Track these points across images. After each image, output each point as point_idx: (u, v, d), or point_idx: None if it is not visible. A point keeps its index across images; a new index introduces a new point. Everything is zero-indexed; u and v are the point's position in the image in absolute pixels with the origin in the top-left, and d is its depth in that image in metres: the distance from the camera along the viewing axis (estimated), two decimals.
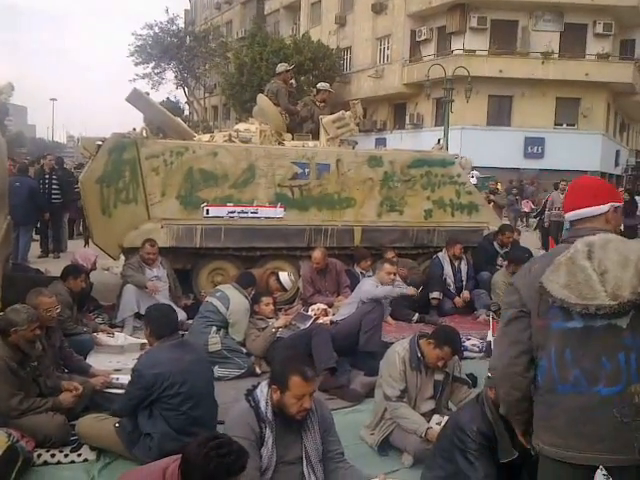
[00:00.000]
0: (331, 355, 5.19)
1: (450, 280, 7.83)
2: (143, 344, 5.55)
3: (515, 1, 26.35)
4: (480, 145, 23.76)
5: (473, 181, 9.79)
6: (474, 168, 10.73)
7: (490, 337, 5.92)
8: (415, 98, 29.26)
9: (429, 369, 3.96)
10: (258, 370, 5.34)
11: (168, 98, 46.24)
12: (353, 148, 8.61)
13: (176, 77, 40.06)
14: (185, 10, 51.52)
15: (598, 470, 2.07)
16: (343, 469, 3.20)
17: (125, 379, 4.10)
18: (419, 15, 28.90)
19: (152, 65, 38.48)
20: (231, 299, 5.51)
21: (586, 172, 26.03)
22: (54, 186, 11.17)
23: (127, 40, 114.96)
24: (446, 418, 3.68)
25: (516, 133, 27.21)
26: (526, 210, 19.78)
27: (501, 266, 7.84)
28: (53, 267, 7.91)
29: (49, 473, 3.64)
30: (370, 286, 5.88)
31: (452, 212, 8.29)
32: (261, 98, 8.84)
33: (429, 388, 3.98)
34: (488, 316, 6.99)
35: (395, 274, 6.17)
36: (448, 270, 7.82)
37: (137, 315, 6.33)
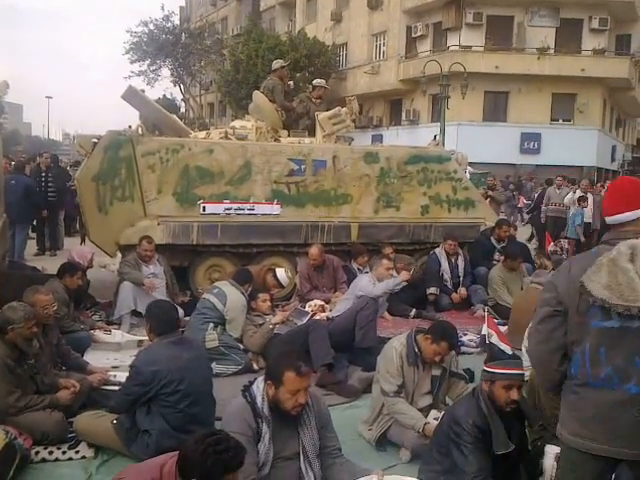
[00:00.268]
0: (328, 351, 5.19)
1: (447, 276, 7.84)
2: (140, 341, 5.57)
3: None
4: (476, 141, 23.74)
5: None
6: (469, 164, 10.69)
7: (485, 330, 5.89)
8: (411, 94, 29.19)
9: (426, 364, 3.97)
10: (255, 366, 5.35)
11: (164, 95, 46.27)
12: (349, 144, 8.59)
13: (172, 74, 39.87)
14: (180, 7, 51.25)
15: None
16: (340, 464, 3.21)
17: (122, 376, 4.11)
18: (415, 11, 28.88)
19: (148, 62, 38.28)
20: (228, 296, 5.52)
21: (582, 168, 26.18)
22: (50, 184, 11.16)
23: (123, 37, 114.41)
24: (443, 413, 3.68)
25: (512, 129, 27.17)
26: (520, 205, 19.78)
27: (498, 261, 7.86)
28: (50, 265, 7.91)
29: (47, 470, 3.64)
30: (367, 284, 5.89)
31: (449, 208, 8.31)
32: (257, 95, 8.82)
33: (426, 383, 3.99)
34: (485, 311, 6.98)
35: (393, 269, 6.17)
36: (445, 266, 7.84)
37: (134, 312, 6.33)
